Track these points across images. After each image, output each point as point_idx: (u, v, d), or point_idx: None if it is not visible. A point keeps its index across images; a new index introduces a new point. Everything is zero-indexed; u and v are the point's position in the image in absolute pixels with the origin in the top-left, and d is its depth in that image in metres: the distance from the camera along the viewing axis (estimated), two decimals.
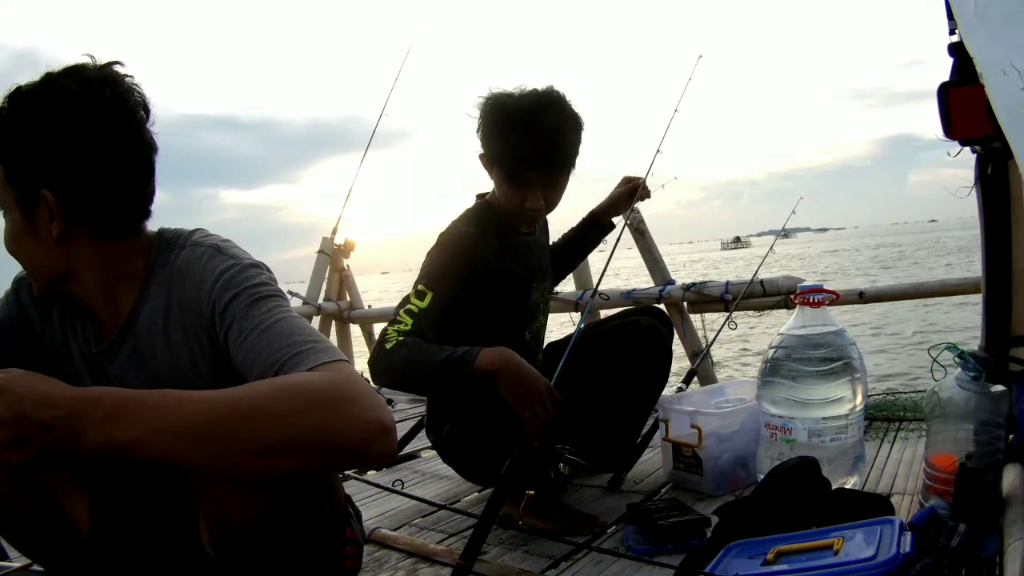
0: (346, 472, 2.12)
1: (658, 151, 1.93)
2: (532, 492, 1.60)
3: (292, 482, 0.80)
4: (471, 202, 1.80)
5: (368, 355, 1.54)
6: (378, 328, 4.27)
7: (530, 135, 1.56)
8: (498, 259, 1.66)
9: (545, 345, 1.93)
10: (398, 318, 1.51)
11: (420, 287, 1.54)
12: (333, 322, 4.13)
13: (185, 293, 0.94)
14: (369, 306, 4.20)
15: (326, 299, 4.07)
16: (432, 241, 1.68)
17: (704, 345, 2.80)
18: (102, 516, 0.98)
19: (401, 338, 1.48)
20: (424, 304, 1.51)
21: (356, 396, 0.75)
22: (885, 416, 2.28)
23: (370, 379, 1.50)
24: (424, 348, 1.47)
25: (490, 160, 1.66)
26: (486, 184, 1.78)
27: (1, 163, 0.92)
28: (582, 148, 1.67)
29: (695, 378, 2.66)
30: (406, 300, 1.55)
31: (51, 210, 0.90)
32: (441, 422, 1.74)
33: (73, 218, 0.92)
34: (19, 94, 0.89)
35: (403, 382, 1.54)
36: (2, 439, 0.67)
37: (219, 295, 0.90)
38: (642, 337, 1.75)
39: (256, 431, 0.70)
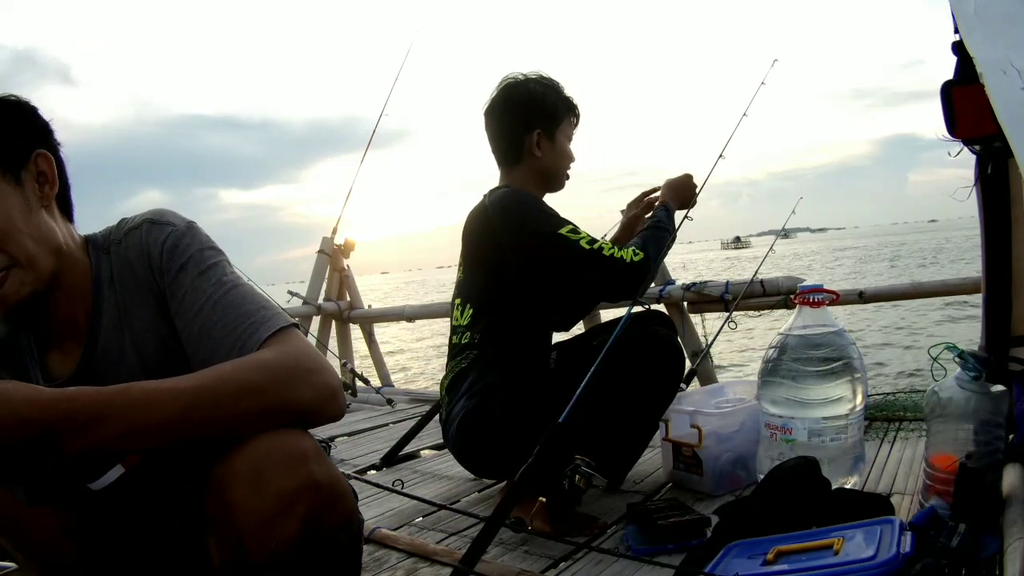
0: (346, 472, 2.13)
1: (721, 156, 1.93)
2: (543, 500, 1.58)
3: (315, 519, 0.76)
4: (471, 202, 1.85)
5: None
6: (378, 328, 4.27)
7: None
8: None
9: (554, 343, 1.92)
10: (600, 247, 1.67)
11: (567, 229, 1.68)
12: (333, 322, 4.12)
13: (136, 277, 0.92)
14: (369, 306, 4.19)
15: (326, 299, 4.07)
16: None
17: (704, 345, 2.80)
18: (96, 549, 0.94)
19: (620, 250, 1.68)
20: (584, 231, 1.70)
21: (310, 365, 0.82)
22: (885, 416, 2.28)
23: (630, 281, 1.67)
24: (646, 235, 1.76)
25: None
26: (485, 184, 1.84)
27: None
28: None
29: (695, 378, 2.66)
30: (568, 242, 1.66)
31: (47, 173, 0.88)
32: (490, 410, 1.70)
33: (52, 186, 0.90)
34: None
35: (659, 260, 1.77)
36: None
37: (167, 265, 0.91)
38: (661, 350, 1.74)
39: (227, 409, 0.76)
